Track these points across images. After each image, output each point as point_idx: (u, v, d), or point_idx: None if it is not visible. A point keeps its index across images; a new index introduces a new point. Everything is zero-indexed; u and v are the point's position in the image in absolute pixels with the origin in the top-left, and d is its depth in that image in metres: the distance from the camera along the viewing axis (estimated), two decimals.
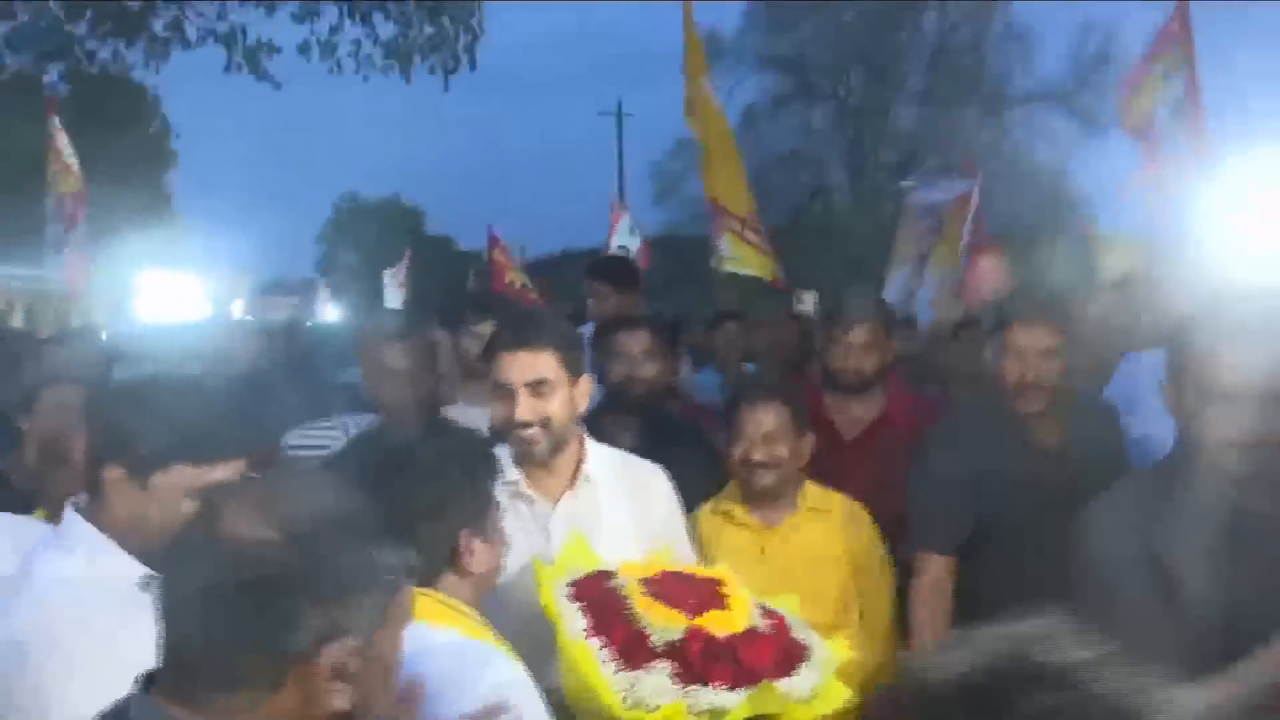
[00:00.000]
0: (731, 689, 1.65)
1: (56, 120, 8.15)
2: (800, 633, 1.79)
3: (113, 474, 1.59)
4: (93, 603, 1.51)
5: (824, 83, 29.02)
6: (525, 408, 2.09)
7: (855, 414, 3.05)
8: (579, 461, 2.22)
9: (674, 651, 1.67)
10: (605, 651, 1.68)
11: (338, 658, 0.95)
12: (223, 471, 1.57)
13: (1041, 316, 2.48)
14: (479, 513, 1.66)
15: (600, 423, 2.94)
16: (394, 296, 13.59)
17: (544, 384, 2.11)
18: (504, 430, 2.13)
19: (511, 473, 2.18)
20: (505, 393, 2.11)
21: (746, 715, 1.67)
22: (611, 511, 2.21)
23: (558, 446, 2.16)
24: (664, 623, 1.69)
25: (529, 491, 2.19)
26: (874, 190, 28.84)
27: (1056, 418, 2.54)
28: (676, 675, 1.65)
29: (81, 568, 1.56)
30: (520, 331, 2.16)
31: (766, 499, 2.57)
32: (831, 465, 2.74)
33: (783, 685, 1.67)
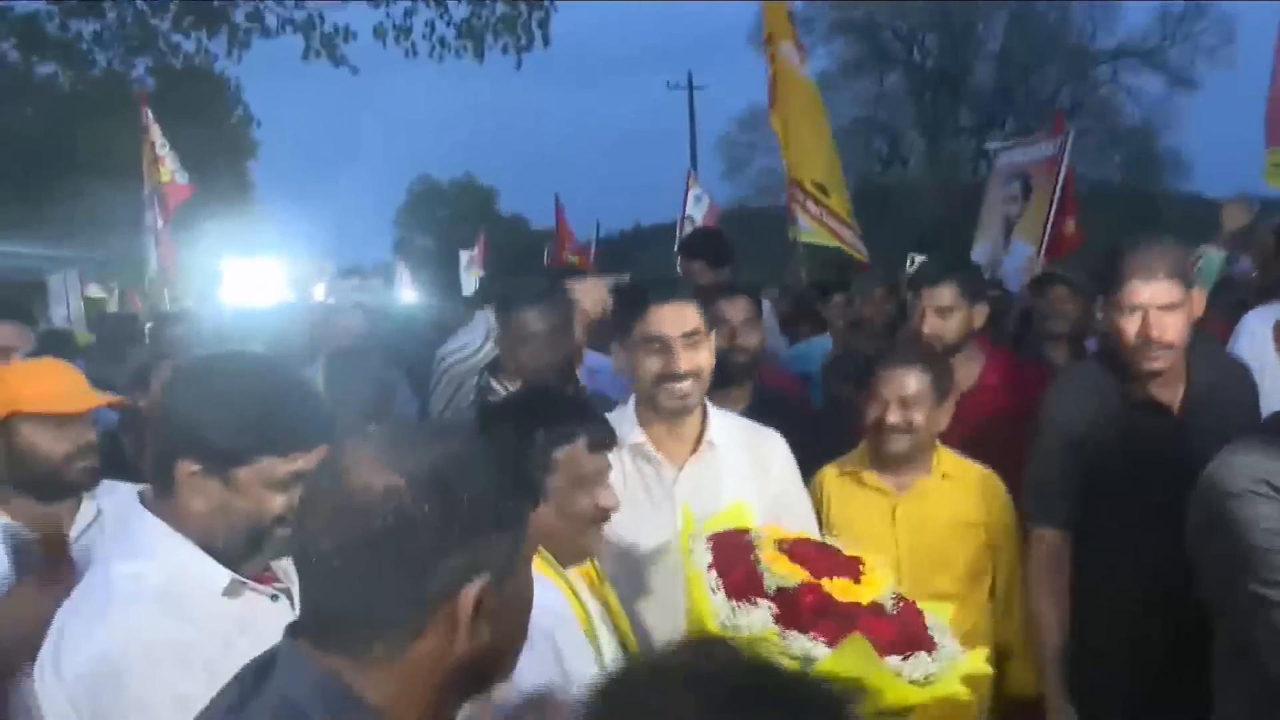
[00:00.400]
0: (830, 645, 1.59)
1: (149, 113, 8.40)
2: (936, 631, 1.71)
3: (187, 468, 1.52)
4: (178, 614, 1.47)
5: (898, 47, 28.40)
6: (685, 359, 2.11)
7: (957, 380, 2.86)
8: (703, 426, 2.21)
9: (784, 598, 1.64)
10: (717, 581, 1.67)
11: (476, 597, 0.95)
12: (306, 461, 1.51)
13: (1162, 271, 2.29)
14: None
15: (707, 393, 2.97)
16: (470, 278, 13.74)
17: (697, 334, 2.15)
18: (658, 384, 2.13)
19: (637, 434, 2.19)
20: (660, 345, 2.12)
21: (836, 669, 1.56)
22: (733, 477, 2.20)
23: (699, 401, 2.19)
24: (783, 571, 1.67)
25: (655, 454, 2.19)
26: (951, 155, 28.21)
27: (1179, 377, 2.39)
28: (778, 618, 1.61)
29: (161, 574, 1.50)
30: (669, 284, 2.21)
31: (897, 463, 2.51)
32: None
33: (889, 661, 1.60)
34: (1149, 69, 27.92)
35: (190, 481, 1.52)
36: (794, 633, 1.59)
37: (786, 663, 1.56)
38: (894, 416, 2.44)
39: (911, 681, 1.59)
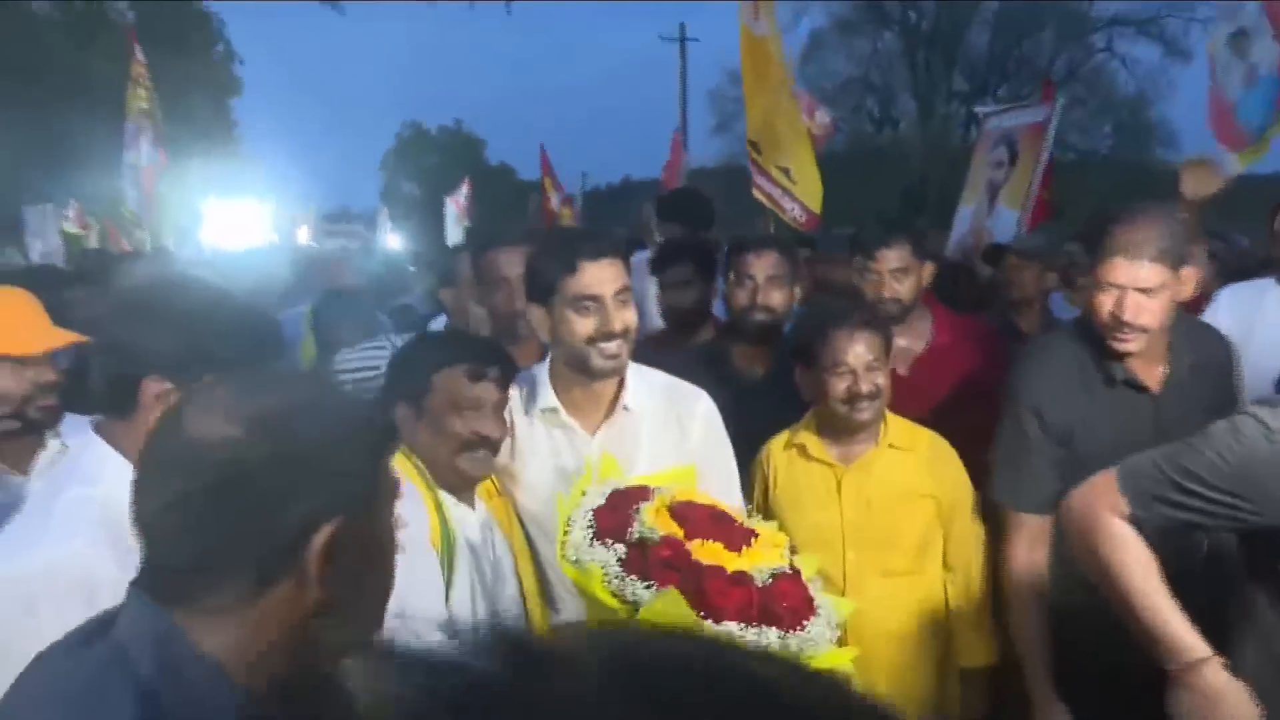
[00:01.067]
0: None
1: (139, 50, 8.24)
2: (818, 622, 1.69)
3: (154, 388, 1.51)
4: (113, 546, 1.38)
5: (895, 7, 28.11)
6: (617, 317, 2.03)
7: (901, 346, 2.78)
8: (619, 389, 2.15)
9: (640, 546, 1.64)
10: (587, 519, 1.69)
11: (325, 543, 0.92)
12: None
13: (1148, 252, 2.18)
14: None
15: (727, 352, 2.92)
16: (455, 226, 13.61)
17: (628, 292, 2.08)
18: (590, 344, 2.04)
19: (549, 399, 2.13)
20: (592, 304, 2.03)
21: (653, 616, 1.59)
22: (651, 441, 2.15)
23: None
24: (653, 524, 1.66)
25: (569, 419, 2.15)
26: (943, 119, 28.08)
27: (1159, 357, 2.33)
28: (623, 563, 1.62)
29: (103, 500, 1.44)
30: (604, 241, 2.11)
31: (847, 433, 2.40)
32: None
33: (728, 626, 1.60)
34: (1145, 38, 27.78)
35: (158, 402, 1.49)
36: (633, 577, 1.60)
37: (611, 602, 1.64)
38: (865, 384, 2.33)
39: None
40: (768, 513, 2.38)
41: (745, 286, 2.88)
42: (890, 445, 2.42)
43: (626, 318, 2.05)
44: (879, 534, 2.36)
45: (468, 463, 1.93)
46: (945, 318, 3.01)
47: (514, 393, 2.15)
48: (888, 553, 2.36)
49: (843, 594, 2.28)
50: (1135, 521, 1.85)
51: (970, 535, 2.44)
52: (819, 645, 1.64)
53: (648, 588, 1.59)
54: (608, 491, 1.76)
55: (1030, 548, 2.34)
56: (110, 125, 8.96)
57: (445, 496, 1.93)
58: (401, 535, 1.74)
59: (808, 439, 2.45)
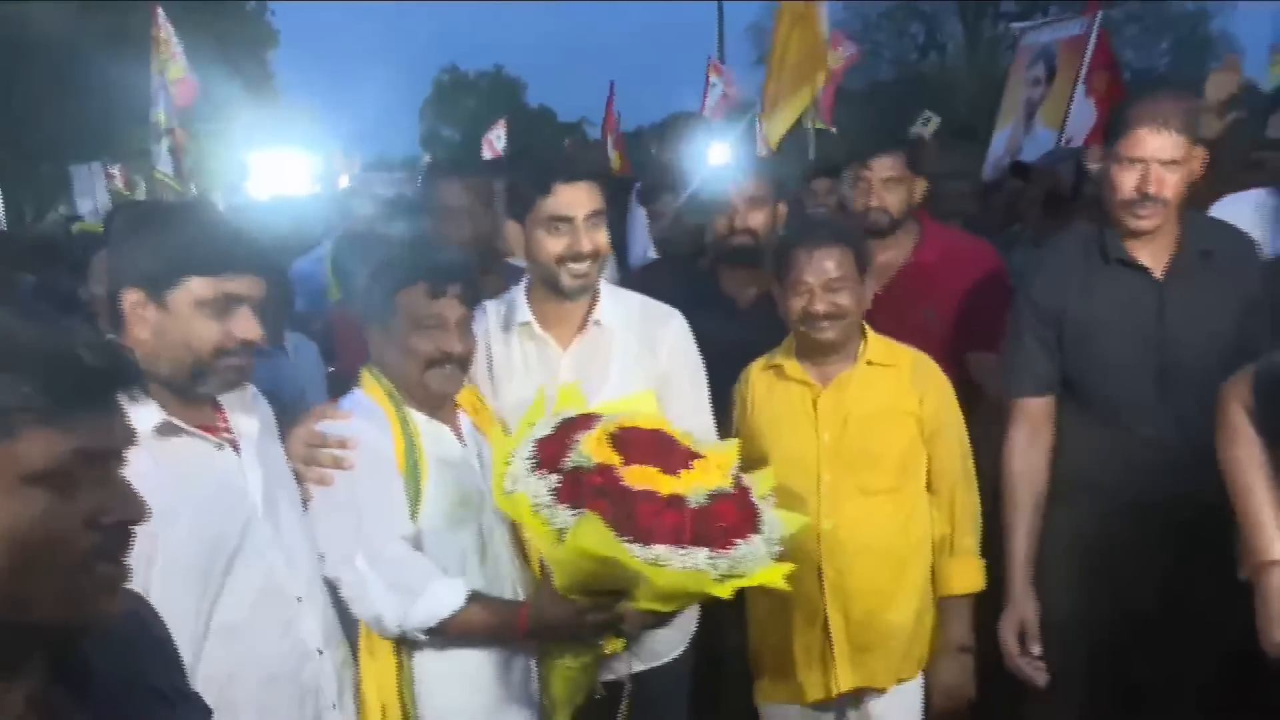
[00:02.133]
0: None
1: (160, 13, 8.26)
2: (759, 538, 1.72)
3: (130, 298, 1.63)
4: None
5: None
6: (587, 239, 2.10)
7: (881, 260, 2.73)
8: (591, 305, 2.20)
9: (574, 474, 1.67)
10: (528, 450, 1.72)
11: None
12: (237, 285, 1.64)
13: (1173, 123, 2.17)
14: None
15: (716, 278, 2.89)
16: None
17: (600, 215, 2.12)
18: (560, 264, 2.11)
19: (524, 313, 2.21)
20: (564, 225, 2.10)
21: (578, 543, 1.63)
22: (621, 356, 2.20)
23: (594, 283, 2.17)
24: (588, 451, 1.69)
25: (542, 333, 2.20)
26: (990, 43, 27.23)
27: (1169, 240, 2.30)
28: (558, 491, 1.66)
29: None
30: (580, 164, 2.17)
31: (824, 352, 2.35)
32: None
33: (658, 549, 1.61)
34: None
35: (134, 313, 1.63)
36: (564, 507, 1.63)
37: (540, 528, 1.67)
38: (820, 304, 2.26)
39: (683, 569, 1.61)
40: (747, 435, 2.35)
41: (724, 211, 2.84)
42: (869, 363, 2.36)
43: (597, 239, 2.13)
44: (856, 453, 2.31)
45: (435, 379, 1.95)
46: (936, 235, 2.94)
47: (493, 310, 2.27)
48: (865, 472, 2.31)
49: (818, 515, 2.27)
50: (1260, 416, 1.87)
51: (956, 456, 2.37)
52: (750, 563, 1.66)
53: (574, 514, 1.61)
54: (557, 422, 1.78)
55: (1030, 438, 2.35)
56: (145, 87, 9.01)
57: (415, 414, 1.97)
58: (356, 454, 1.85)
59: (785, 360, 2.41)
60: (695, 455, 1.77)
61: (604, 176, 2.25)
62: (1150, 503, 2.25)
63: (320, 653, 1.79)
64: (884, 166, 2.81)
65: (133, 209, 1.86)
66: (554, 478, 1.67)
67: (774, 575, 1.71)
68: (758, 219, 2.82)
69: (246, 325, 1.67)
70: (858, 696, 2.35)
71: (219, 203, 7.91)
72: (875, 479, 2.30)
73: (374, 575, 1.83)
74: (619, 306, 2.23)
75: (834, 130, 6.36)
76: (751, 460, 2.34)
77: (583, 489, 1.65)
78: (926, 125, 5.42)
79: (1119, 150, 2.21)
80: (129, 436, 0.93)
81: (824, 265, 2.26)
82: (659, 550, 1.59)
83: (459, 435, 2.04)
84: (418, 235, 2.97)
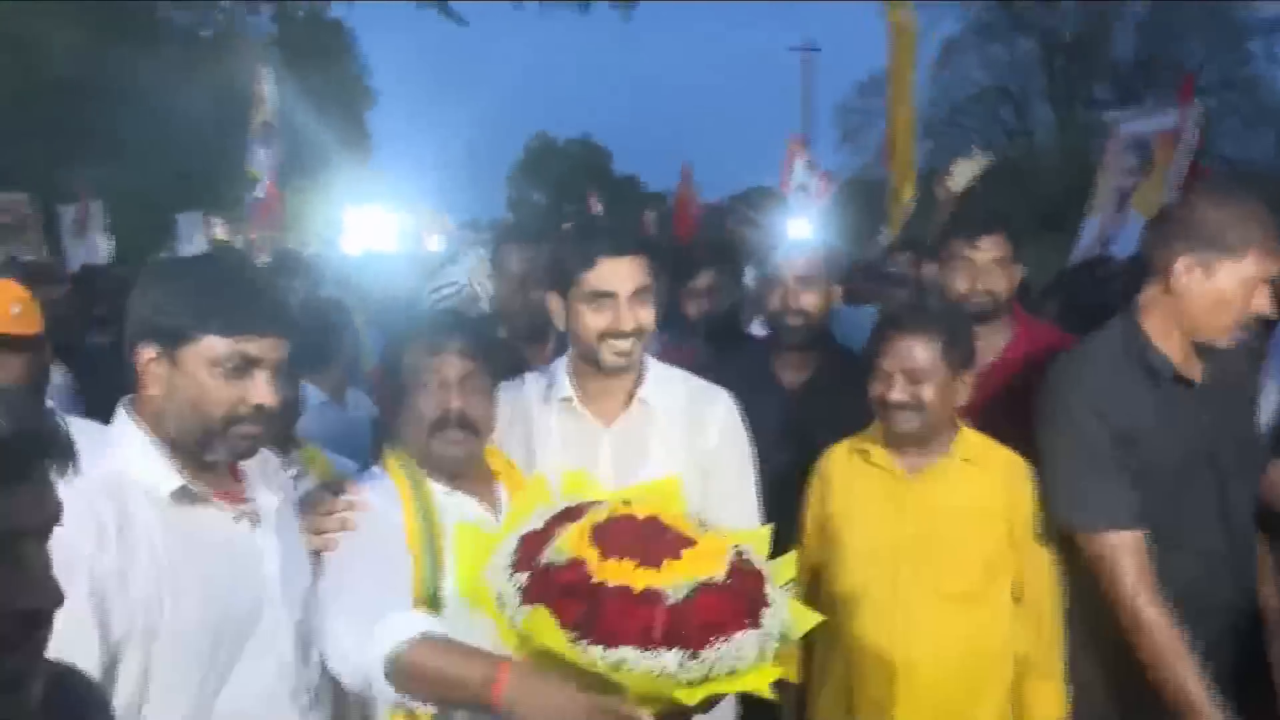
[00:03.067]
0: (562, 624, 1.53)
1: (264, 68, 8.62)
2: (770, 609, 1.61)
3: (145, 353, 1.54)
4: (104, 499, 1.45)
5: (1033, 9, 27.10)
6: (630, 316, 2.01)
7: (978, 346, 2.55)
8: (637, 382, 2.11)
9: (547, 572, 1.58)
10: (512, 545, 1.65)
11: None
12: (257, 348, 1.53)
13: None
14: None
15: (766, 360, 2.79)
16: None
17: (646, 291, 2.04)
18: (601, 340, 2.02)
19: (565, 388, 2.12)
20: (606, 300, 2.01)
21: (529, 633, 1.56)
22: (664, 436, 2.10)
23: (639, 360, 2.09)
24: (565, 547, 1.60)
25: (583, 410, 2.12)
26: (1083, 129, 26.92)
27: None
28: (524, 591, 1.57)
29: (111, 465, 1.50)
30: (625, 237, 2.09)
31: (911, 442, 2.23)
32: None
33: (623, 651, 1.51)
34: None
35: (147, 369, 1.54)
36: (527, 607, 1.55)
37: (499, 620, 1.60)
38: (898, 393, 2.16)
39: (647, 672, 1.50)
40: (823, 518, 2.25)
41: (775, 290, 2.74)
42: (963, 459, 2.23)
43: (640, 316, 2.03)
44: (939, 551, 2.18)
45: (439, 444, 1.86)
46: (1028, 329, 2.75)
47: (533, 382, 2.19)
48: (947, 573, 2.17)
49: (893, 613, 2.15)
50: None
51: (1046, 567, 2.21)
52: (731, 663, 1.53)
53: (531, 610, 1.54)
54: (550, 514, 1.71)
55: (1141, 570, 2.07)
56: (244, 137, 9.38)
57: (435, 487, 1.89)
58: (361, 524, 1.75)
59: (872, 445, 2.29)
60: (689, 543, 1.65)
61: (651, 250, 2.14)
62: (1210, 612, 2.13)
63: None
64: (992, 246, 2.65)
65: (161, 260, 1.81)
66: (523, 576, 1.59)
67: (760, 681, 1.57)
68: (810, 299, 2.72)
69: (263, 390, 1.55)
70: None
71: (312, 256, 8.10)
72: (956, 581, 2.17)
73: (335, 615, 1.67)
74: (665, 384, 2.14)
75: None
76: (826, 547, 2.27)
77: (550, 587, 1.57)
78: (969, 160, 5.24)
79: (1243, 267, 2.07)
80: (54, 512, 0.86)
81: (910, 353, 2.15)
82: (624, 653, 1.49)
83: (494, 506, 1.94)
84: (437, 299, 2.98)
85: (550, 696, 1.52)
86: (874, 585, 2.16)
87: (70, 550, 1.31)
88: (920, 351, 2.15)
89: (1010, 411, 2.35)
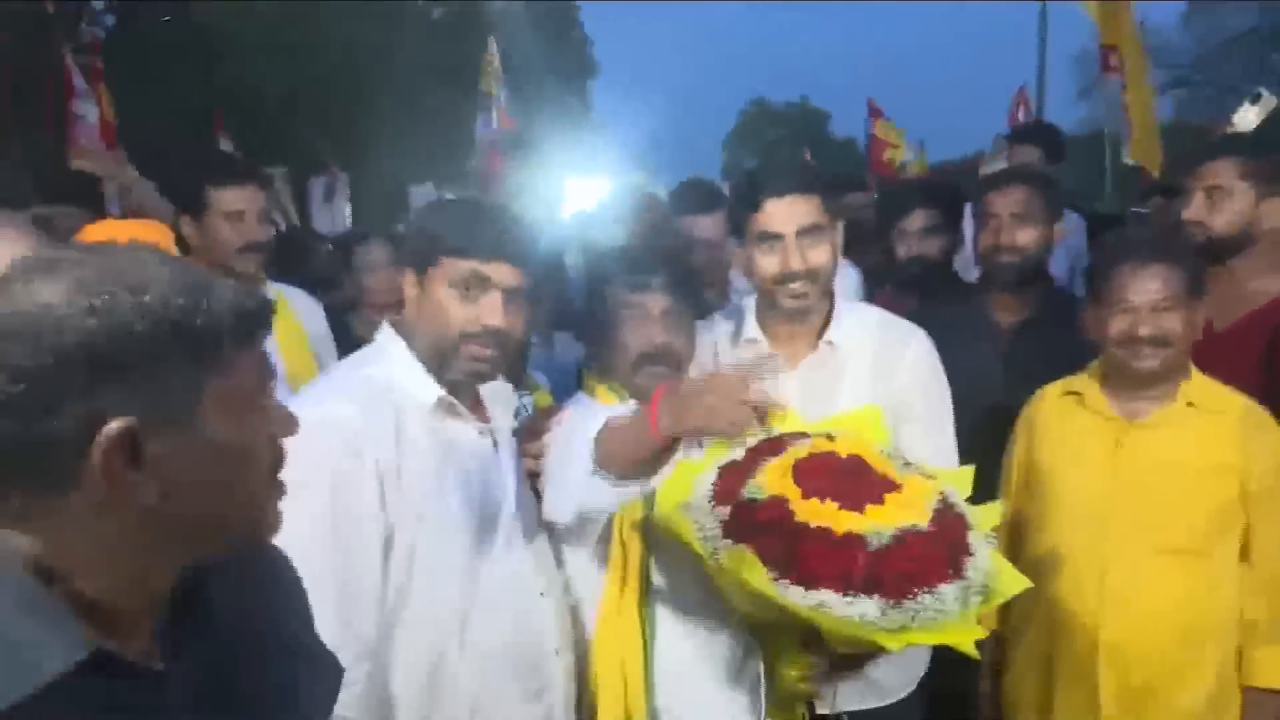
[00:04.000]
0: (761, 561, 1.52)
1: (493, 42, 8.98)
2: (975, 561, 1.53)
3: (410, 280, 1.73)
4: (382, 405, 1.65)
5: None
6: (798, 256, 1.97)
7: (1251, 287, 2.35)
8: (825, 323, 2.06)
9: (746, 508, 1.56)
10: (711, 476, 1.64)
11: (117, 443, 0.82)
12: (487, 269, 1.66)
13: None
14: None
15: (983, 302, 2.69)
16: None
17: (816, 230, 1.98)
18: (775, 284, 2.00)
19: (752, 330, 2.10)
20: (773, 242, 1.98)
21: (728, 568, 1.54)
22: (853, 377, 2.04)
23: (820, 302, 2.04)
24: (764, 482, 1.57)
25: (771, 352, 2.08)
26: None
27: None
28: (725, 524, 1.55)
29: (384, 376, 1.69)
30: (788, 176, 2.04)
31: (1136, 386, 2.08)
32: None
33: (823, 594, 1.48)
34: None
35: (408, 292, 1.74)
36: (729, 541, 1.53)
37: (700, 550, 1.58)
38: (1146, 327, 2.00)
39: (846, 618, 1.46)
40: (1029, 465, 2.14)
41: (989, 226, 2.60)
42: (1189, 404, 2.06)
43: (811, 257, 1.98)
44: (1158, 505, 2.02)
45: (645, 377, 1.90)
46: None
47: (722, 322, 2.20)
48: (1165, 528, 2.01)
49: (1102, 568, 2.02)
50: None
51: (1277, 520, 2.01)
52: (933, 615, 1.47)
53: (734, 548, 1.53)
54: (753, 444, 1.70)
55: None
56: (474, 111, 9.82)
57: None
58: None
59: (1087, 388, 2.14)
60: (893, 486, 1.60)
61: (823, 189, 2.06)
62: None
63: (557, 653, 1.79)
64: (1209, 173, 2.44)
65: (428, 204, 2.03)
66: (724, 510, 1.59)
67: (963, 636, 1.51)
68: (1025, 235, 2.56)
69: (494, 311, 1.67)
70: None
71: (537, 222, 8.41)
72: (1176, 537, 2.01)
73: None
74: (855, 325, 2.09)
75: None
76: (1031, 499, 2.17)
77: (751, 523, 1.56)
78: (1256, 104, 4.64)
79: None
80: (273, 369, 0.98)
81: (1152, 284, 2.01)
82: (823, 596, 1.47)
83: None
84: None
85: (695, 401, 1.56)
86: (1082, 541, 2.05)
87: (360, 439, 1.58)
88: (1165, 282, 2.01)
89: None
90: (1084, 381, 2.16)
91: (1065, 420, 2.16)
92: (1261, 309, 2.39)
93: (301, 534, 1.35)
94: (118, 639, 0.87)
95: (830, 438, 1.74)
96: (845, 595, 1.48)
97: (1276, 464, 2.03)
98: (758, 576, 1.51)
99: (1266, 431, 2.04)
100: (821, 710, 1.87)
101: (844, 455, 1.66)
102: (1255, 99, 5.15)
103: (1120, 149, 5.44)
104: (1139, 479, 2.05)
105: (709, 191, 3.16)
